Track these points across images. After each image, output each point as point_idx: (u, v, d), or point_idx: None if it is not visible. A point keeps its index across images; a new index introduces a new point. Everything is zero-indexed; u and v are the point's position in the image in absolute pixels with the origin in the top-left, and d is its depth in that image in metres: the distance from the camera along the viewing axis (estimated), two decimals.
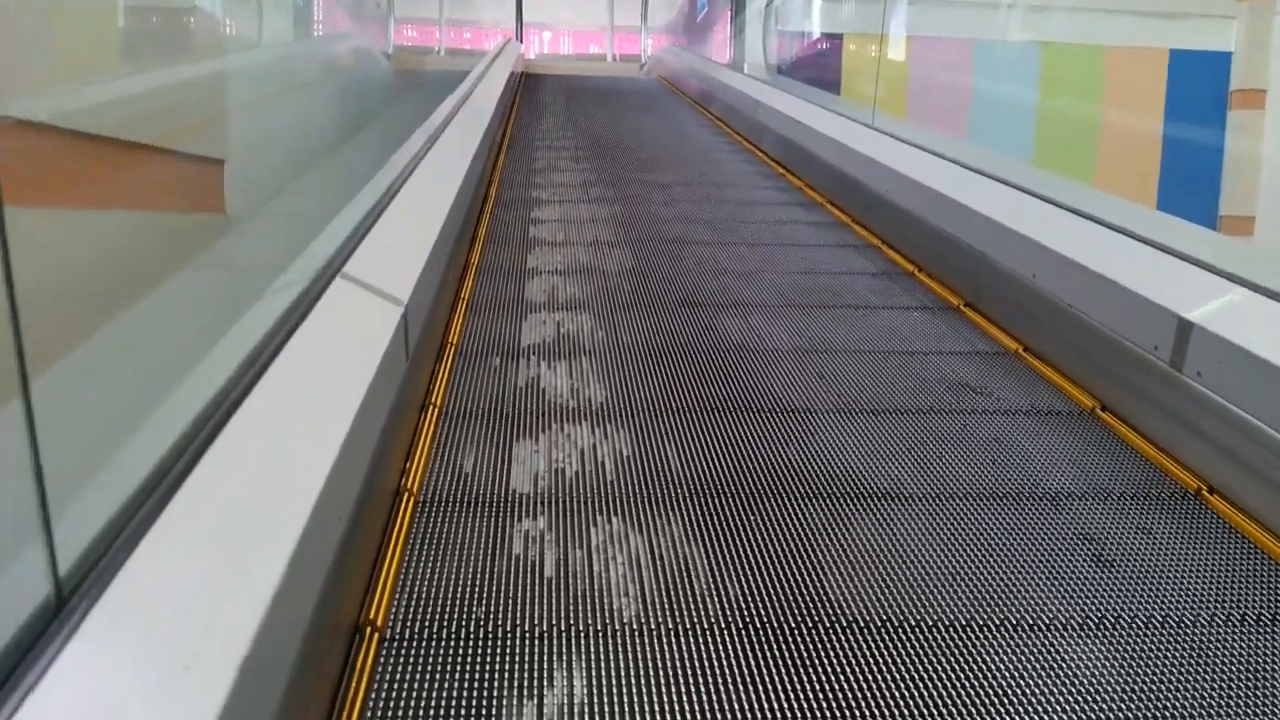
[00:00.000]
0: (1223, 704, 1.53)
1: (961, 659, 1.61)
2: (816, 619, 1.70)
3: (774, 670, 1.56)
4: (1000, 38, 5.06)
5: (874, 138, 5.16)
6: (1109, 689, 1.55)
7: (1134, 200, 3.52)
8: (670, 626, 1.66)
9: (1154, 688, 1.56)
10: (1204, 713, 1.51)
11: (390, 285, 2.33)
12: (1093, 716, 1.49)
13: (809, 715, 1.47)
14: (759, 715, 1.46)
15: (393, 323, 2.17)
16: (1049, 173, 3.80)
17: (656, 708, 1.47)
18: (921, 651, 1.62)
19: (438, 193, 3.57)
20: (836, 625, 1.68)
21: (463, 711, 1.45)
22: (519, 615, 1.67)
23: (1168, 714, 1.50)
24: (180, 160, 2.59)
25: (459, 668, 1.54)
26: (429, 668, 1.54)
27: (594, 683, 1.52)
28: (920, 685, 1.54)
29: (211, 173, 2.72)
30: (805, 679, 1.54)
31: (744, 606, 1.72)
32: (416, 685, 1.50)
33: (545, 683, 1.51)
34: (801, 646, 1.62)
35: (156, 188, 2.42)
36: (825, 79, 7.80)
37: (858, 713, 1.48)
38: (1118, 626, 1.72)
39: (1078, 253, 2.88)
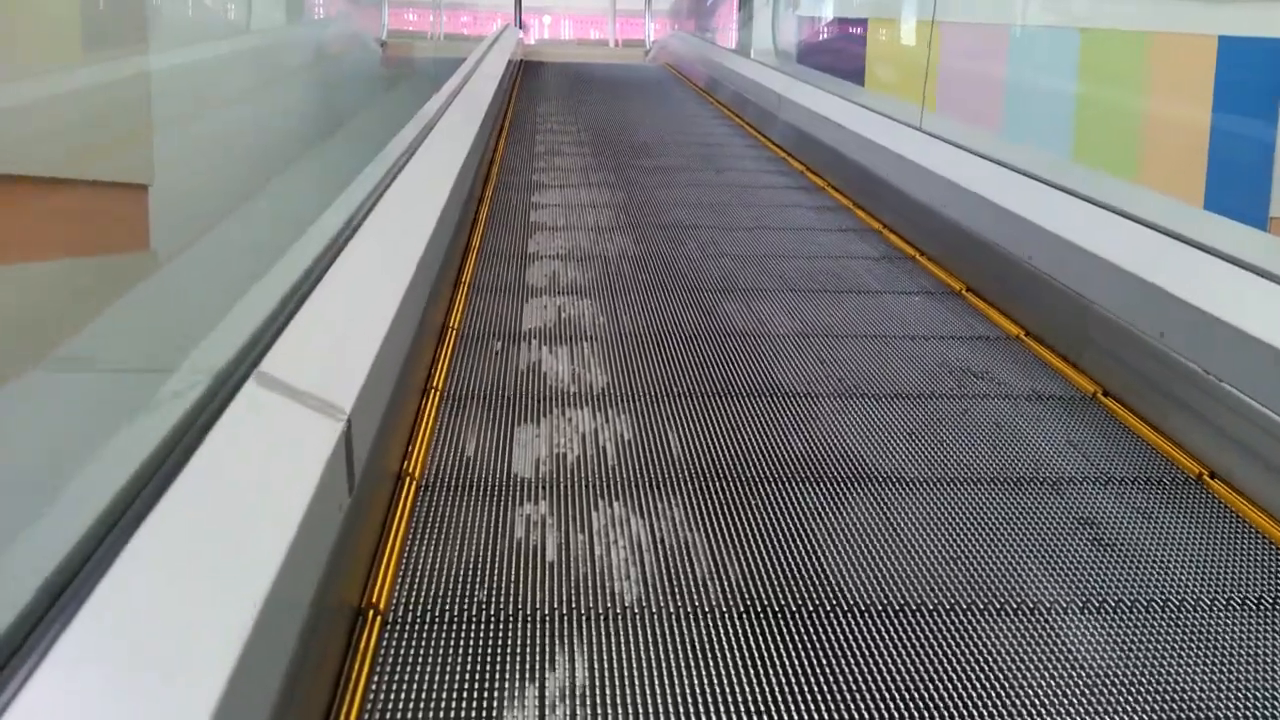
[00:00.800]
0: (1221, 687, 1.54)
1: (961, 642, 1.61)
2: (817, 602, 1.70)
3: (774, 652, 1.57)
4: (1036, 23, 4.80)
5: (928, 146, 4.41)
6: (1107, 672, 1.55)
7: (1178, 197, 3.31)
8: (671, 610, 1.67)
9: (1153, 671, 1.56)
10: (1202, 696, 1.51)
11: (327, 386, 1.67)
12: (1091, 698, 1.49)
13: (809, 697, 1.47)
14: (760, 697, 1.47)
15: (320, 459, 1.47)
16: (1162, 195, 3.42)
17: (658, 690, 1.48)
18: (921, 634, 1.63)
19: (413, 228, 2.87)
20: (837, 608, 1.69)
21: (464, 693, 1.46)
22: (521, 598, 1.68)
23: (1166, 697, 1.51)
24: (87, 191, 1.91)
25: (461, 650, 1.55)
26: (431, 650, 1.54)
27: (595, 665, 1.52)
28: (920, 667, 1.55)
29: (130, 202, 2.04)
30: (805, 661, 1.55)
31: (745, 589, 1.73)
32: (419, 667, 1.51)
33: (547, 665, 1.52)
34: (802, 629, 1.63)
35: (38, 232, 1.76)
36: (849, 68, 7.42)
37: (858, 694, 1.48)
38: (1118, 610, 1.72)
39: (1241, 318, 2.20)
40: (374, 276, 2.36)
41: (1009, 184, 3.62)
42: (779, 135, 6.66)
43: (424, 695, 1.45)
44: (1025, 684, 1.52)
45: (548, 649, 1.56)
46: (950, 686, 1.51)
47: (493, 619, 1.63)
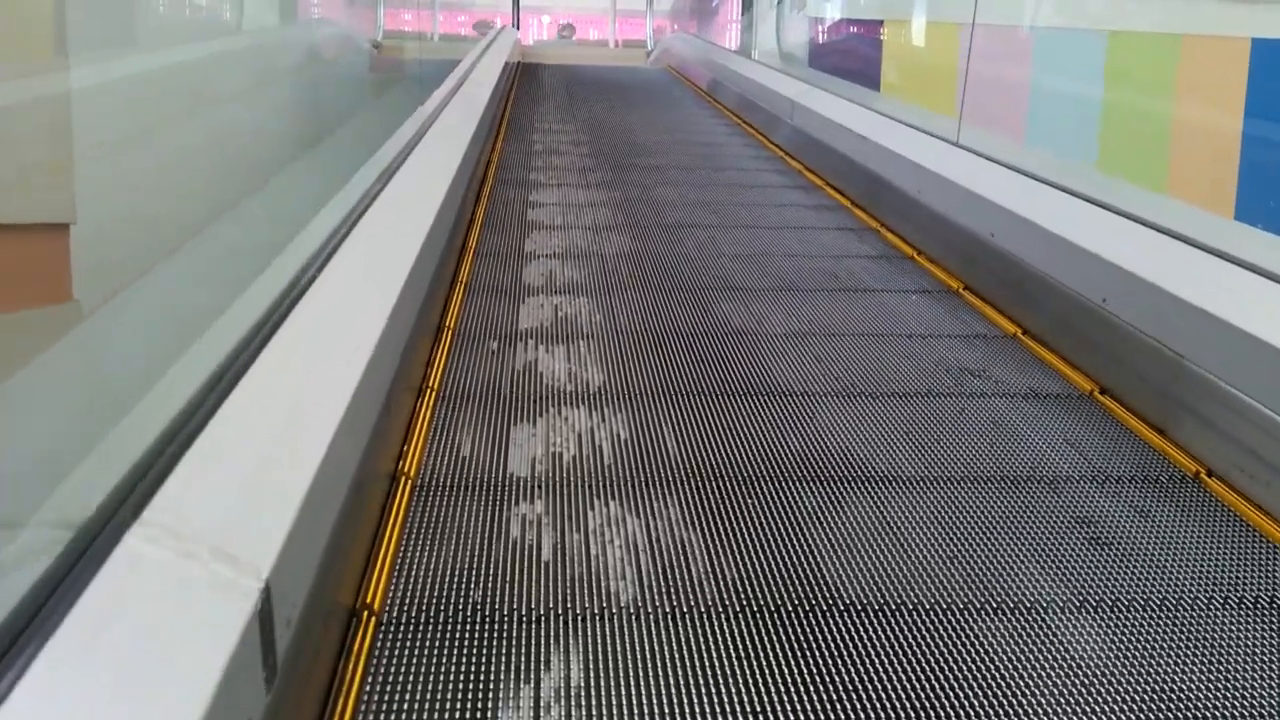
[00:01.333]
0: (1217, 686, 1.53)
1: (957, 641, 1.60)
2: (813, 601, 1.70)
3: (771, 653, 1.56)
4: (1062, 25, 4.64)
5: (960, 158, 4.02)
6: (1104, 670, 1.55)
7: (1209, 207, 3.14)
8: (667, 610, 1.66)
9: (1149, 669, 1.56)
10: (1199, 695, 1.51)
11: (237, 536, 1.21)
12: (1087, 697, 1.49)
13: (805, 697, 1.47)
14: (756, 697, 1.46)
15: (216, 657, 1.02)
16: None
17: (653, 690, 1.47)
18: (918, 634, 1.62)
19: (404, 234, 2.63)
20: (834, 608, 1.68)
21: (459, 695, 1.45)
22: (516, 599, 1.67)
23: (1163, 696, 1.50)
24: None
25: (456, 651, 1.54)
26: (426, 651, 1.54)
27: (591, 666, 1.52)
28: (917, 667, 1.54)
29: (49, 247, 1.66)
30: (802, 661, 1.54)
31: (741, 589, 1.72)
32: (413, 669, 1.50)
33: (542, 666, 1.51)
34: (798, 629, 1.62)
35: None
36: (860, 71, 7.14)
37: (855, 694, 1.48)
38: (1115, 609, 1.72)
39: None
40: (360, 283, 2.27)
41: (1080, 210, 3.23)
42: (783, 139, 6.59)
43: (419, 696, 1.44)
44: (1022, 683, 1.51)
45: (543, 649, 1.55)
46: (946, 685, 1.50)
47: (488, 619, 1.62)
